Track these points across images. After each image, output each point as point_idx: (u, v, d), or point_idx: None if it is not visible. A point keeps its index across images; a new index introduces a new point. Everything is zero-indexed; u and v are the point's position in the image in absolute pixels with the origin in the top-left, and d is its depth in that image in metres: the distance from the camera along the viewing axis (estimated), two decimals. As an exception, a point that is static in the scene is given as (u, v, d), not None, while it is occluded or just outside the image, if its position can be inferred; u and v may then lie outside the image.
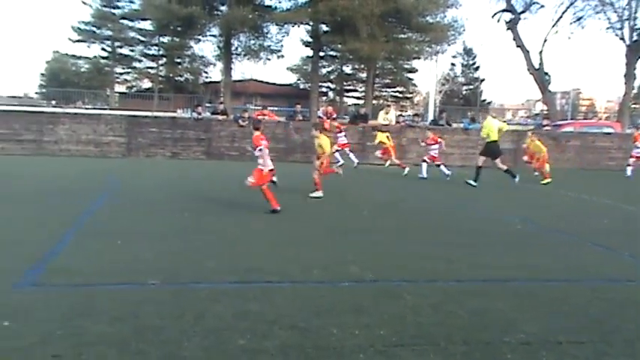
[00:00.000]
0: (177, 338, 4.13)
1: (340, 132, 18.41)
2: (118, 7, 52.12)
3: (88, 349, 3.88)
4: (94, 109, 40.26)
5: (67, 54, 57.91)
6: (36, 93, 68.96)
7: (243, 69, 73.96)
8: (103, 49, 54.11)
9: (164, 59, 52.24)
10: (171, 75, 52.19)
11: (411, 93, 62.65)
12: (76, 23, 52.86)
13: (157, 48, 51.71)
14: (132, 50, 54.03)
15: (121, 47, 53.85)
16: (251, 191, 9.72)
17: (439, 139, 16.15)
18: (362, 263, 6.37)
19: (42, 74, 65.98)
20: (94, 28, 52.46)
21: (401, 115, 30.08)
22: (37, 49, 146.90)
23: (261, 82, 50.28)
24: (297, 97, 39.92)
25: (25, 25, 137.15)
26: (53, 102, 50.23)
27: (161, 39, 49.31)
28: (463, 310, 4.97)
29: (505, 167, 14.66)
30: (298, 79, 58.90)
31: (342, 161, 18.11)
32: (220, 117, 21.56)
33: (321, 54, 43.28)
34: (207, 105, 33.26)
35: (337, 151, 17.88)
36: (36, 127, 19.02)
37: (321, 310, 4.84)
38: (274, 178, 10.36)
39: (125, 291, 5.19)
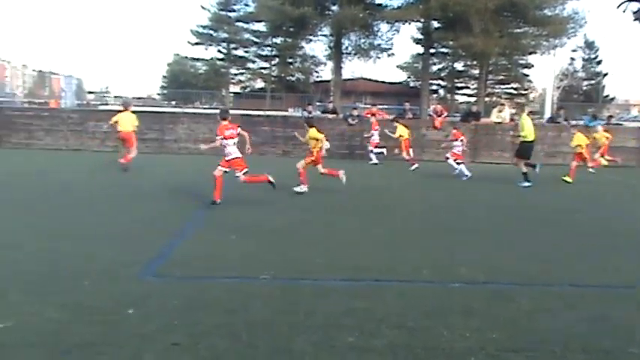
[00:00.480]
0: (287, 333, 4.21)
1: (375, 130, 18.24)
2: (234, 11, 54.11)
3: (204, 339, 4.05)
4: (211, 108, 41.97)
5: (186, 57, 61.13)
6: (158, 94, 73.36)
7: (353, 67, 73.91)
8: (219, 51, 56.42)
9: (277, 59, 53.46)
10: (283, 75, 53.33)
11: (527, 90, 59.99)
12: (195, 27, 55.53)
13: (269, 49, 53.04)
14: (246, 51, 55.86)
15: (236, 49, 55.86)
16: (363, 190, 9.75)
17: (462, 137, 15.12)
18: (472, 264, 6.21)
19: (163, 76, 70.05)
20: (212, 31, 54.80)
21: (516, 113, 28.89)
22: (159, 53, 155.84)
23: (371, 80, 50.24)
24: (407, 95, 39.58)
25: (149, 31, 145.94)
26: (173, 102, 53.05)
27: (274, 40, 50.53)
28: (582, 316, 4.71)
29: (525, 170, 13.66)
30: (408, 77, 58.37)
31: (376, 160, 18.08)
32: (330, 116, 21.77)
33: (432, 51, 42.49)
34: (318, 104, 33.70)
35: (371, 151, 18.13)
36: (158, 127, 20.11)
37: (430, 310, 4.77)
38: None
39: (238, 284, 5.37)
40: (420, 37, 41.10)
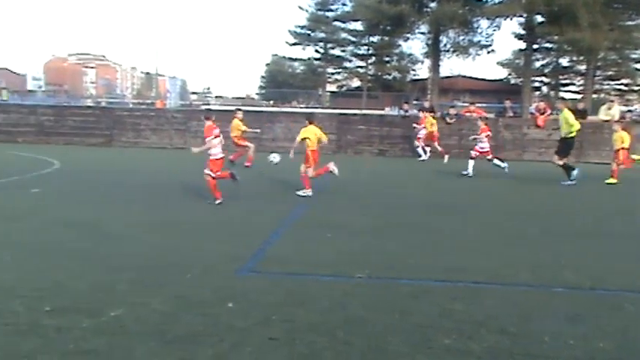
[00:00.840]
0: (383, 332, 4.18)
1: (423, 125, 18.52)
2: (332, 10, 54.53)
3: (301, 335, 4.10)
4: (307, 107, 42.52)
5: (284, 57, 62.28)
6: (256, 94, 75.31)
7: (451, 65, 72.82)
8: (317, 50, 57.05)
9: (373, 58, 53.41)
10: (379, 73, 53.17)
11: (639, 85, 56.58)
12: (293, 27, 56.49)
13: (366, 48, 53.07)
14: (343, 51, 56.15)
15: (332, 48, 56.26)
16: (457, 190, 9.55)
17: (488, 132, 14.22)
18: (576, 268, 5.93)
19: (262, 76, 71.81)
20: (309, 31, 55.50)
21: (629, 110, 27.30)
22: (258, 54, 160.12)
23: (470, 77, 49.04)
24: (508, 92, 38.28)
25: (249, 33, 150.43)
26: (271, 102, 54.21)
27: (371, 39, 50.55)
28: (701, 329, 4.37)
29: (562, 163, 13.07)
30: (509, 74, 56.47)
31: (424, 157, 18.43)
32: (427, 114, 21.45)
33: (535, 46, 40.94)
34: (415, 102, 33.34)
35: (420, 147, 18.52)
36: (256, 125, 20.54)
37: (531, 315, 4.59)
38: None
39: (333, 282, 5.40)
40: (522, 32, 39.70)
